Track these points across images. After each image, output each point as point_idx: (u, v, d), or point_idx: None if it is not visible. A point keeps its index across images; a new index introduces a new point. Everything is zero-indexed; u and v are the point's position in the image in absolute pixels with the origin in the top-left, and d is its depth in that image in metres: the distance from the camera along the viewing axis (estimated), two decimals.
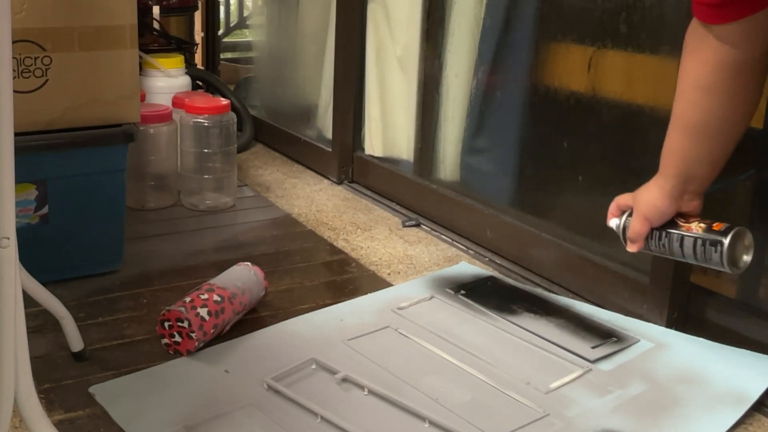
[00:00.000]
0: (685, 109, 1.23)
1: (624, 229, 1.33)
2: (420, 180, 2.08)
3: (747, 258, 1.25)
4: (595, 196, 1.71)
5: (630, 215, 1.32)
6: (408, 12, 2.10)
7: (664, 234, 1.29)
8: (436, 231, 1.95)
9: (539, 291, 1.63)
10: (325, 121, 2.43)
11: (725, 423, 1.20)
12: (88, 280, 1.59)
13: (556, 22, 1.75)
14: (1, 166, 0.90)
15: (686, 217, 1.29)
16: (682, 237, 1.27)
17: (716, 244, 1.24)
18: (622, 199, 1.35)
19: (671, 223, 1.29)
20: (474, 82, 1.95)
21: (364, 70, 2.22)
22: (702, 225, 1.26)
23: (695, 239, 1.26)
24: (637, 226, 1.30)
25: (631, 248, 1.33)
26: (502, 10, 1.87)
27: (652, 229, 1.30)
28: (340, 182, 2.29)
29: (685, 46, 1.22)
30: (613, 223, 1.36)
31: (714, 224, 1.26)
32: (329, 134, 2.36)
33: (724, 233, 1.24)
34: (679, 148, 1.25)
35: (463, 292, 1.60)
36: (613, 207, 1.36)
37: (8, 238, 0.92)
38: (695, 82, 1.20)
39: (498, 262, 1.78)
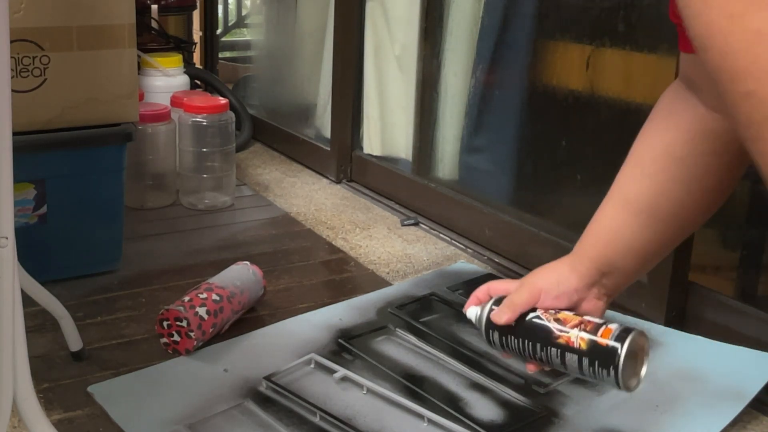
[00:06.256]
0: (634, 182, 0.96)
1: (486, 319, 1.01)
2: (419, 179, 2.08)
3: (644, 371, 0.96)
4: (594, 194, 1.71)
5: (497, 302, 1.01)
6: (406, 11, 2.10)
7: (541, 346, 0.99)
8: (434, 230, 1.95)
9: None
10: (324, 120, 2.43)
11: (723, 420, 1.20)
12: (86, 279, 1.59)
13: (554, 20, 1.76)
14: None
15: (564, 316, 0.99)
16: (563, 352, 0.97)
17: (609, 366, 0.94)
18: (497, 286, 1.04)
19: (543, 328, 0.98)
20: (472, 81, 1.95)
21: (363, 69, 2.22)
22: (584, 336, 0.95)
23: (580, 356, 0.96)
24: (524, 295, 0.99)
25: (500, 319, 0.99)
26: (500, 9, 1.87)
27: (521, 328, 1.00)
28: (338, 181, 2.29)
29: (655, 114, 0.97)
30: (472, 312, 1.04)
31: (601, 329, 0.95)
32: (328, 133, 2.36)
33: (616, 347, 0.93)
34: (611, 227, 0.99)
35: (461, 290, 1.60)
36: (481, 291, 1.05)
37: (7, 238, 0.92)
38: (661, 150, 0.93)
39: (496, 260, 1.78)
